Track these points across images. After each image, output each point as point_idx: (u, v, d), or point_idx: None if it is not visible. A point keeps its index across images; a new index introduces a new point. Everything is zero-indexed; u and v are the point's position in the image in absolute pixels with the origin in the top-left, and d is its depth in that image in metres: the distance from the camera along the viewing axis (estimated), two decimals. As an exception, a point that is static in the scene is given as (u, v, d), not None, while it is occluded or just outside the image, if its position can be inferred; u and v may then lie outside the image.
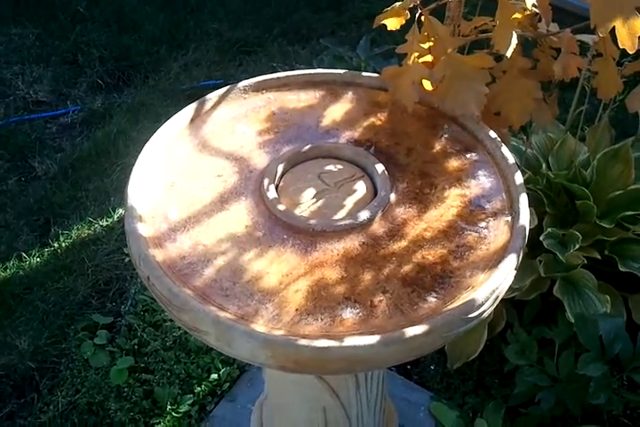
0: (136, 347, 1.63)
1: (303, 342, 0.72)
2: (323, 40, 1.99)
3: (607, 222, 1.60)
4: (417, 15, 0.95)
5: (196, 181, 0.90)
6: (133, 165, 0.88)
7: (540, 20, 1.15)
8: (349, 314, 0.77)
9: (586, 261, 1.57)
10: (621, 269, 1.59)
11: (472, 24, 1.12)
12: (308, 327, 0.76)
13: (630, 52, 0.70)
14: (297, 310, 0.77)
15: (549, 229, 1.55)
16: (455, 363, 1.62)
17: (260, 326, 0.75)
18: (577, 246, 1.50)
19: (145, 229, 0.83)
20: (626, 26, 0.69)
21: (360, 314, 0.77)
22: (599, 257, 1.62)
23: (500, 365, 1.61)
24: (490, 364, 1.65)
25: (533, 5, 1.05)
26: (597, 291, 1.58)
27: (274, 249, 0.83)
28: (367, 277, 0.81)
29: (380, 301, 0.79)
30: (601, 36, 0.72)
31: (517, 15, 1.00)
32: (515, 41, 0.97)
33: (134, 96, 2.31)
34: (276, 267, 0.81)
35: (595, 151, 1.79)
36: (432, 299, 0.79)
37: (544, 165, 1.71)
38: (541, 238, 1.50)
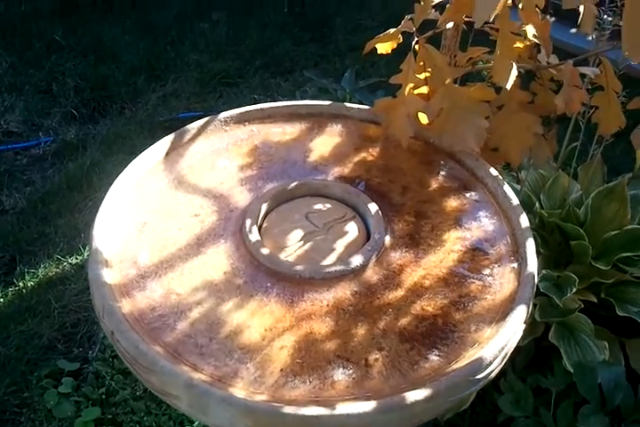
0: (103, 396, 1.51)
1: (289, 409, 0.62)
2: (306, 72, 1.93)
3: (603, 264, 1.53)
4: (413, 43, 0.88)
5: (169, 220, 0.81)
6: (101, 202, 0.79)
7: (539, 52, 1.10)
8: (341, 375, 0.68)
9: (582, 305, 1.49)
10: (619, 313, 1.51)
11: (468, 55, 1.05)
12: (295, 391, 0.66)
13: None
14: (282, 370, 0.68)
15: (544, 271, 1.47)
16: (446, 414, 1.52)
17: (239, 390, 0.65)
18: (574, 290, 1.42)
19: (111, 275, 0.73)
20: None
21: (354, 375, 0.68)
22: (596, 300, 1.55)
23: (494, 415, 1.51)
24: (482, 414, 1.55)
25: (534, 36, 1.00)
26: (594, 336, 1.50)
27: (256, 299, 0.74)
28: (361, 331, 0.72)
29: (376, 359, 0.70)
30: (634, 63, 0.65)
31: (519, 44, 0.93)
32: (515, 72, 0.91)
33: (110, 127, 2.22)
34: (258, 319, 0.72)
35: (587, 189, 1.73)
36: (434, 357, 0.71)
37: (537, 204, 1.64)
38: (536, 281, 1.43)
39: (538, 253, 1.53)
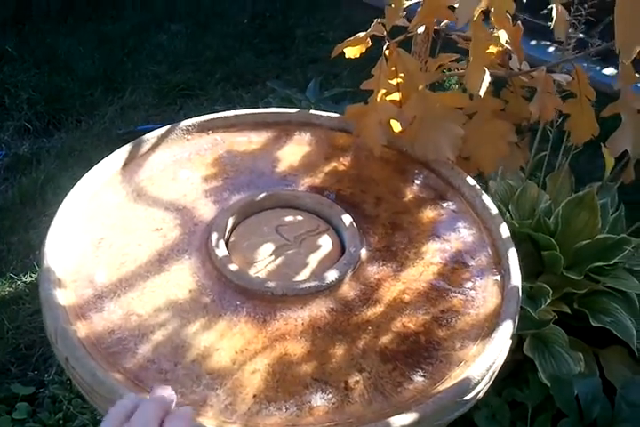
0: (61, 422, 1.42)
1: (264, 440, 0.57)
2: (269, 82, 1.89)
3: (575, 274, 1.51)
4: (384, 48, 0.84)
5: (128, 236, 0.75)
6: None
7: (509, 59, 1.07)
8: (320, 400, 0.63)
9: (556, 317, 1.46)
10: (593, 324, 1.49)
11: (438, 61, 1.02)
12: (270, 419, 0.61)
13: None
14: (255, 396, 0.62)
15: (517, 283, 1.44)
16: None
17: (209, 420, 0.60)
18: (548, 301, 1.39)
19: (65, 296, 0.67)
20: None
21: (333, 400, 0.63)
22: (569, 311, 1.53)
23: (470, 431, 1.47)
24: (457, 431, 1.51)
25: (506, 42, 0.97)
26: (569, 348, 1.47)
27: (224, 319, 0.68)
28: (339, 351, 0.67)
29: (357, 382, 0.65)
30: (624, 63, 0.62)
31: (492, 50, 0.90)
32: (488, 79, 0.87)
33: (65, 141, 2.14)
34: (227, 341, 0.66)
35: (556, 199, 1.71)
36: (418, 378, 0.66)
37: (507, 214, 1.62)
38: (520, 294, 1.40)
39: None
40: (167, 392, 0.49)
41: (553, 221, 1.60)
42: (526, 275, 1.57)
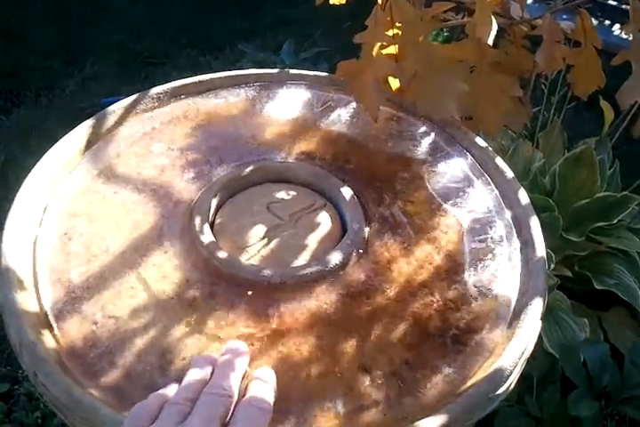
0: (39, 421, 1.33)
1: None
2: (241, 45, 1.77)
3: (575, 235, 1.44)
4: (378, -7, 0.74)
5: (99, 225, 0.65)
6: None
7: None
8: (332, 408, 0.54)
9: (559, 282, 1.40)
10: (597, 287, 1.43)
11: (433, 10, 0.91)
12: (278, 432, 0.52)
13: None
14: (259, 406, 0.53)
15: (516, 248, 1.37)
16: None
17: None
18: (552, 267, 1.32)
19: (29, 300, 0.57)
20: None
21: (347, 405, 0.54)
22: (570, 274, 1.46)
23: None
24: (462, 405, 1.45)
25: (508, -15, 0.87)
26: (573, 314, 1.41)
27: (217, 316, 0.59)
28: (351, 347, 0.58)
29: (375, 382, 0.56)
30: None
31: (496, -6, 0.80)
32: (495, 26, 0.78)
33: (25, 118, 2.01)
34: (221, 342, 0.57)
35: (550, 157, 1.64)
36: (445, 372, 0.57)
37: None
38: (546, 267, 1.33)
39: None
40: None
41: (549, 180, 1.52)
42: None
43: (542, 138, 1.65)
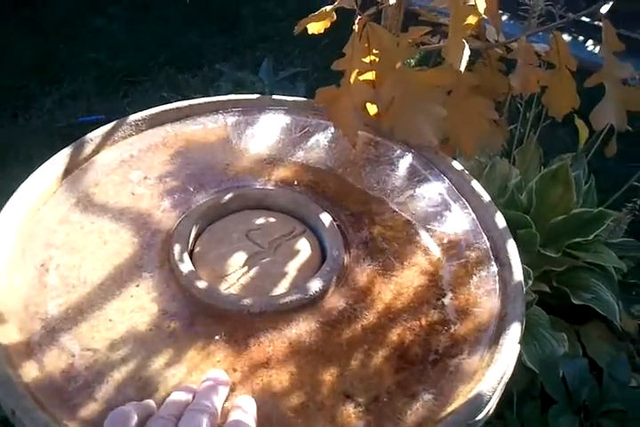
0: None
1: None
2: (219, 65, 1.77)
3: (553, 251, 1.46)
4: (355, 22, 0.75)
5: (77, 255, 0.65)
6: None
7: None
8: (316, 437, 0.54)
9: (537, 298, 1.41)
10: (575, 301, 1.44)
11: (409, 35, 0.92)
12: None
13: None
14: (240, 438, 0.53)
15: (495, 265, 1.38)
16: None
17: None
18: (530, 284, 1.34)
19: (5, 333, 0.57)
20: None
21: (330, 436, 0.54)
22: (548, 290, 1.48)
23: (456, 422, 1.42)
24: (443, 421, 1.46)
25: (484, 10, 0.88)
26: (551, 329, 1.42)
27: (196, 347, 0.59)
28: (331, 376, 0.58)
29: (355, 411, 0.56)
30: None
31: (471, 20, 0.81)
32: (467, 52, 0.79)
33: (1, 137, 1.99)
34: (202, 373, 0.57)
35: (526, 173, 1.66)
36: (426, 396, 0.58)
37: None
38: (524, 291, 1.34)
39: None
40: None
41: (526, 197, 1.54)
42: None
43: (519, 155, 1.67)
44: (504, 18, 2.81)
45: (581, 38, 2.71)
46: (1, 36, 2.37)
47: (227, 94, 1.72)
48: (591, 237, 1.43)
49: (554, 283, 1.50)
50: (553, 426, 1.23)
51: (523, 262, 1.47)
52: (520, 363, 1.37)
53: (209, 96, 1.79)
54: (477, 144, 0.97)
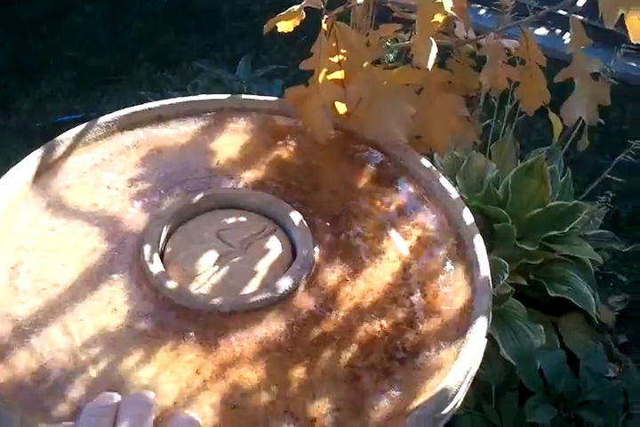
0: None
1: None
2: (198, 62, 1.77)
3: (529, 244, 1.48)
4: (322, 22, 0.76)
5: (48, 258, 0.65)
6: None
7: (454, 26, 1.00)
8: (284, 434, 0.55)
9: (514, 291, 1.43)
10: (551, 293, 1.47)
11: (379, 33, 0.93)
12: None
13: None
14: (210, 436, 0.54)
15: (472, 259, 1.39)
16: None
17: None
18: (506, 276, 1.35)
19: (-24, 336, 0.57)
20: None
21: (298, 432, 0.55)
22: (525, 283, 1.49)
23: (435, 414, 1.43)
24: (423, 414, 1.47)
25: (451, 8, 0.89)
26: (528, 321, 1.44)
27: (167, 346, 0.59)
28: (301, 373, 0.59)
29: (324, 408, 0.57)
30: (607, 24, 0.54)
31: (438, 18, 0.82)
32: (435, 50, 0.80)
33: (-21, 139, 1.99)
34: (172, 373, 0.58)
35: (503, 167, 1.67)
36: (394, 392, 0.59)
37: (455, 188, 1.57)
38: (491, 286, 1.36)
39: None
40: None
41: (502, 191, 1.56)
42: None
43: (495, 149, 1.68)
44: (482, 12, 2.82)
45: (559, 31, 2.74)
46: (-22, 35, 2.36)
47: (204, 92, 1.72)
48: (566, 229, 1.45)
49: (531, 276, 1.52)
50: (530, 417, 1.25)
51: (499, 256, 1.49)
52: (498, 355, 1.39)
53: (187, 94, 1.79)
54: (449, 141, 0.98)
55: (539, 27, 2.72)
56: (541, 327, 1.42)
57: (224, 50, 2.41)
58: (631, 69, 2.51)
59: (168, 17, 2.56)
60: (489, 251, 1.52)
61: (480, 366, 1.51)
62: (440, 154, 0.99)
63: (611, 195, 1.47)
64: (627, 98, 2.18)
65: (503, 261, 1.38)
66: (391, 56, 2.26)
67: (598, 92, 1.02)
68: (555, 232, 1.47)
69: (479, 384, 1.41)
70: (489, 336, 1.38)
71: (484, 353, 1.52)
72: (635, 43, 0.54)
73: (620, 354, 1.67)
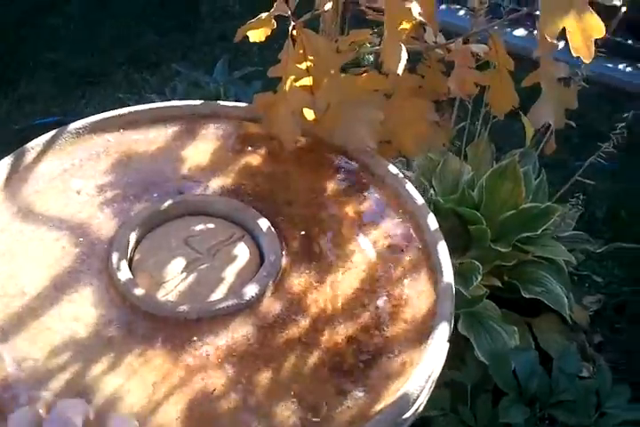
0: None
1: None
2: (176, 64, 1.77)
3: (503, 246, 1.49)
4: (290, 29, 0.77)
5: (17, 264, 0.66)
6: None
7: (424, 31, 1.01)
8: (251, 437, 0.56)
9: (488, 292, 1.44)
10: (525, 295, 1.48)
11: (349, 39, 0.94)
12: (194, 467, 0.54)
13: (586, 62, 0.56)
14: (175, 441, 0.55)
15: (447, 261, 1.41)
16: None
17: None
18: (479, 278, 1.37)
19: (-58, 344, 0.58)
20: (580, 25, 0.54)
21: (263, 435, 0.56)
22: (500, 284, 1.51)
23: (410, 415, 1.45)
24: (398, 414, 1.48)
25: (419, 13, 0.90)
26: (503, 322, 1.46)
27: (134, 353, 0.60)
28: (267, 378, 0.60)
29: (289, 411, 0.58)
30: (549, 40, 0.56)
31: (405, 25, 0.84)
32: (405, 56, 0.81)
33: (-46, 141, 1.98)
34: (139, 380, 0.59)
35: (478, 169, 1.69)
36: (357, 395, 0.60)
37: (431, 190, 1.58)
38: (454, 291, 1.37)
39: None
40: None
41: (477, 194, 1.57)
42: (454, 250, 1.55)
43: (470, 151, 1.70)
44: (461, 13, 2.85)
45: (537, 32, 2.76)
46: (-45, 36, 2.34)
47: (182, 95, 1.72)
48: (539, 231, 1.47)
49: (505, 277, 1.53)
50: (504, 418, 1.26)
51: (474, 257, 1.50)
52: (473, 357, 1.41)
53: (165, 97, 1.79)
54: (420, 145, 1.00)
55: (517, 28, 2.75)
56: (515, 328, 1.43)
57: (204, 51, 2.41)
58: (608, 70, 2.53)
59: (147, 17, 2.55)
60: (464, 252, 1.54)
61: (455, 368, 1.52)
62: (411, 158, 1.00)
63: (582, 197, 1.49)
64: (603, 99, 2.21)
65: (477, 263, 1.40)
66: (371, 58, 2.28)
67: (565, 96, 1.04)
68: (528, 234, 1.48)
69: (454, 385, 1.42)
70: (464, 337, 1.40)
71: (460, 354, 1.53)
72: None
73: (594, 353, 1.69)
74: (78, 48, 2.39)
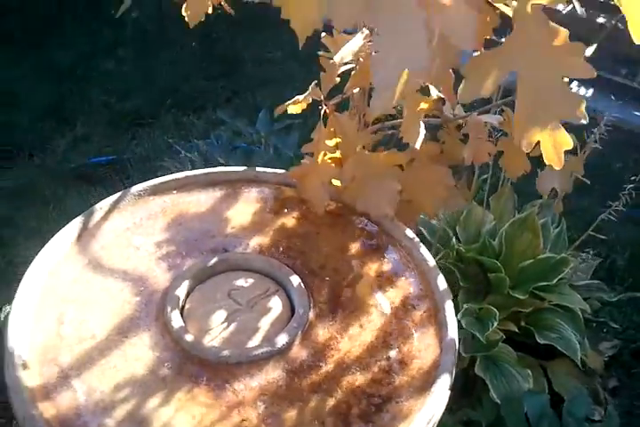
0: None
1: None
2: (219, 112, 1.92)
3: (520, 293, 1.59)
4: (322, 110, 0.90)
5: (88, 310, 0.79)
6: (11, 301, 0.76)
7: (443, 104, 1.13)
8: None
9: (504, 337, 1.53)
10: (539, 340, 1.57)
11: (370, 130, 1.07)
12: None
13: (557, 168, 0.67)
14: (214, 467, 0.67)
15: (465, 306, 1.51)
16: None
17: None
18: (495, 324, 1.46)
19: (31, 378, 0.71)
20: (551, 139, 0.65)
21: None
22: (516, 329, 1.60)
23: (428, 451, 1.53)
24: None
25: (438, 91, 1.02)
26: (518, 365, 1.55)
27: (183, 390, 0.73)
28: (291, 415, 0.72)
29: (310, 446, 0.70)
30: (525, 149, 0.67)
31: (424, 105, 0.96)
32: (423, 131, 0.93)
33: (18, 178, 2.14)
34: (185, 413, 0.71)
35: (501, 218, 1.79)
36: (368, 437, 0.71)
37: (454, 238, 1.69)
38: (459, 317, 1.46)
39: (457, 285, 1.57)
40: None
41: (497, 243, 1.67)
42: (474, 295, 1.65)
43: (493, 201, 1.80)
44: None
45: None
46: (15, 79, 2.52)
47: (226, 142, 1.85)
48: (554, 280, 1.56)
49: (522, 323, 1.62)
50: (513, 458, 1.34)
51: (493, 303, 1.59)
52: (488, 397, 1.50)
53: (210, 141, 1.91)
54: (437, 207, 1.11)
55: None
56: (529, 372, 1.51)
57: (246, 96, 2.57)
58: (633, 118, 2.59)
59: (194, 63, 2.72)
60: (483, 298, 1.64)
61: (472, 407, 1.61)
62: (430, 218, 1.11)
63: (603, 244, 1.56)
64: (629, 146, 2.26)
65: (494, 309, 1.49)
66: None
67: (572, 164, 1.15)
68: (545, 282, 1.57)
69: (471, 424, 1.51)
70: (481, 379, 1.49)
71: (477, 394, 1.61)
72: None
73: (607, 397, 1.76)
74: (130, 91, 2.57)
